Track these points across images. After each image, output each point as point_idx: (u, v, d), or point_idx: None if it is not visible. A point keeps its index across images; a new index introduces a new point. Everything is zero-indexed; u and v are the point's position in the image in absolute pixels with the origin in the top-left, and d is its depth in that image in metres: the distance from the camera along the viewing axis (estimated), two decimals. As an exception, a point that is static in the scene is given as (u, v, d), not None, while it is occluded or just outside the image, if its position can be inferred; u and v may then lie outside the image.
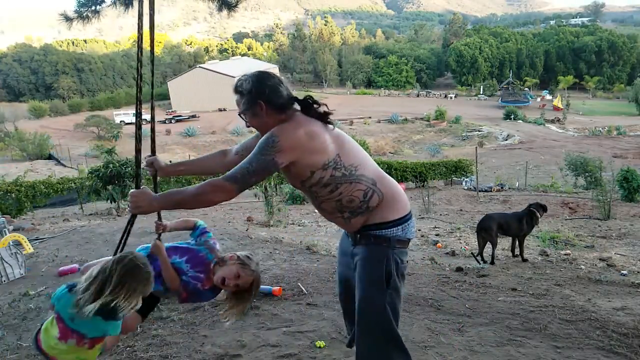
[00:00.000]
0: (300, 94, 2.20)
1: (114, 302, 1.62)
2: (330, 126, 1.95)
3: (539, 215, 5.59)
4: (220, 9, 5.12)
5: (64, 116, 50.39)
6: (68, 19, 4.89)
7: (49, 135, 34.53)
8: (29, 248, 5.88)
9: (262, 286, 4.00)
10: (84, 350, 1.79)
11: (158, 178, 2.35)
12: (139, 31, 2.04)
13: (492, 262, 5.30)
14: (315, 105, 1.93)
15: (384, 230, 1.94)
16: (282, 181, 14.99)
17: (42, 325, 1.84)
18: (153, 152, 2.32)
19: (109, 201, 10.56)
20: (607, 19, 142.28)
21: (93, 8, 4.83)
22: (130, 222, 2.07)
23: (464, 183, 16.38)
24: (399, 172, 15.54)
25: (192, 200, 1.80)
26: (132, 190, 1.90)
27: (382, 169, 2.08)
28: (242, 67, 57.17)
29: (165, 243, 2.09)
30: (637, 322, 3.08)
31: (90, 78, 65.51)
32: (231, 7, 5.13)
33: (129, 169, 10.34)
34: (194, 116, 47.08)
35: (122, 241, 2.03)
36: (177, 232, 2.40)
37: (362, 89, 68.08)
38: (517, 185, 16.45)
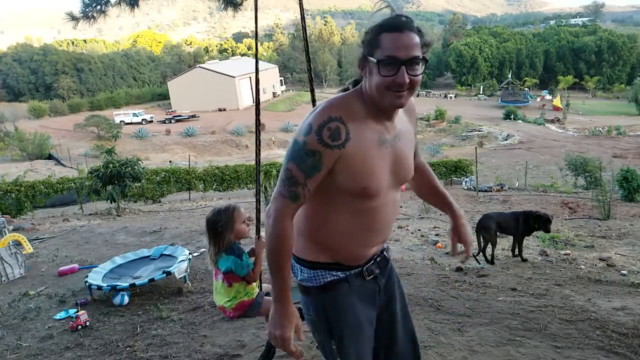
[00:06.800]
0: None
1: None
2: None
3: (530, 222, 5.39)
4: (225, 8, 5.09)
5: (64, 116, 50.34)
6: (74, 18, 4.88)
7: (49, 135, 34.50)
8: (29, 248, 5.88)
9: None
10: (226, 288, 2.34)
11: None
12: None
13: (492, 262, 5.29)
14: None
15: None
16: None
17: None
18: None
19: (108, 201, 10.56)
20: (607, 19, 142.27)
21: (98, 8, 4.82)
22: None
23: (463, 183, 16.37)
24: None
25: None
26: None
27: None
28: (242, 67, 57.24)
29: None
30: (637, 322, 3.08)
31: (90, 78, 65.46)
32: (237, 6, 5.11)
33: (129, 169, 10.33)
34: (193, 116, 47.08)
35: None
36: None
37: (362, 89, 68.00)
38: (517, 185, 16.44)
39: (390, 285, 1.69)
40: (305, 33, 2.32)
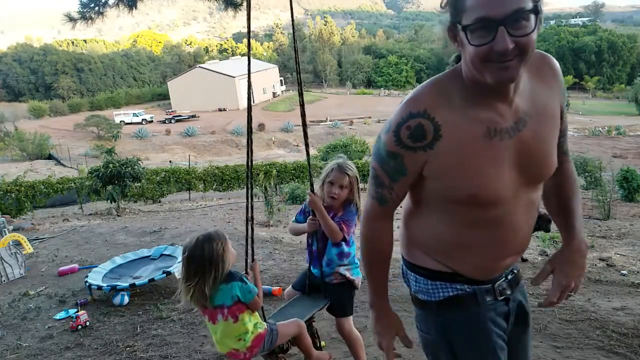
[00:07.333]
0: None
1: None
2: None
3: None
4: (225, 8, 5.13)
5: (64, 116, 50.42)
6: (72, 19, 4.90)
7: (49, 135, 34.56)
8: (29, 248, 5.88)
9: (262, 286, 4.00)
10: (233, 326, 1.95)
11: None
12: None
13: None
14: None
15: None
16: (282, 181, 14.95)
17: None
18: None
19: (108, 201, 10.56)
20: (607, 19, 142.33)
21: (96, 9, 4.84)
22: None
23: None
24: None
25: None
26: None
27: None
28: (242, 67, 57.33)
29: None
30: (637, 322, 3.08)
31: (90, 78, 65.57)
32: (237, 6, 5.15)
33: (129, 169, 10.34)
34: (193, 116, 47.19)
35: None
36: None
37: (361, 89, 68.10)
38: (517, 185, 16.45)
39: (523, 308, 1.36)
40: (294, 34, 2.32)
